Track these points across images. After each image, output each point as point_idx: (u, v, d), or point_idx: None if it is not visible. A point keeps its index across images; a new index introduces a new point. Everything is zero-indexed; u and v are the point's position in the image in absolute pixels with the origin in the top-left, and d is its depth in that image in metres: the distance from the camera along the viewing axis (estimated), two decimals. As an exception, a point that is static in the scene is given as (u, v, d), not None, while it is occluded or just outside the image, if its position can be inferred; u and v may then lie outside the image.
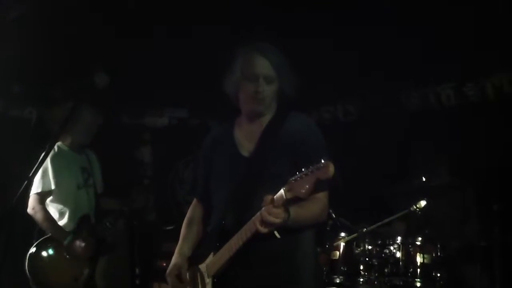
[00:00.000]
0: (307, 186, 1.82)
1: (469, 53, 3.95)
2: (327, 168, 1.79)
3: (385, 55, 4.17)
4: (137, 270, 4.28)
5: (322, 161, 1.81)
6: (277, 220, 1.91)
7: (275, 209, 1.90)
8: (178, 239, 2.39)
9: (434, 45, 4.03)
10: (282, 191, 1.88)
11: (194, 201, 2.46)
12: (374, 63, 4.27)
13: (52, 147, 2.23)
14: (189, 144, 5.17)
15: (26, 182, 2.02)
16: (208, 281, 2.18)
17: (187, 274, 2.26)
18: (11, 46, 3.83)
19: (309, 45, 4.04)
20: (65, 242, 3.28)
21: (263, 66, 2.16)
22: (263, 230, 1.93)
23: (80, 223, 3.41)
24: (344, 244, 3.44)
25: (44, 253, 3.28)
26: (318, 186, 1.90)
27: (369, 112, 4.78)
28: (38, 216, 3.32)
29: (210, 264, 2.18)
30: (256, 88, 2.15)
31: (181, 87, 4.76)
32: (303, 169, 1.84)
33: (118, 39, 4.06)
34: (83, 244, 3.30)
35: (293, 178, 1.84)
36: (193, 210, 2.44)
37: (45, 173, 3.31)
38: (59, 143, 3.45)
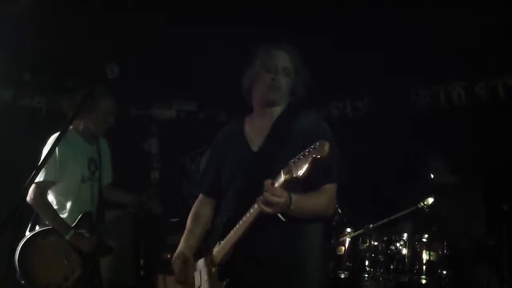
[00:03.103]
0: (304, 166, 1.86)
1: (481, 53, 3.93)
2: (322, 147, 1.83)
3: (395, 52, 4.15)
4: (141, 262, 4.29)
5: (318, 142, 1.86)
6: (281, 200, 1.94)
7: (280, 189, 1.93)
8: (183, 232, 2.42)
9: (446, 44, 4.01)
10: (281, 172, 1.92)
11: (200, 196, 2.48)
12: (384, 60, 4.25)
13: (64, 133, 2.20)
14: (196, 137, 5.19)
15: (35, 171, 2.01)
16: (214, 270, 2.21)
17: (193, 263, 2.30)
18: (22, 34, 3.83)
19: (319, 42, 4.03)
20: (67, 237, 3.12)
21: (283, 58, 2.25)
22: (267, 210, 1.95)
23: (81, 220, 3.25)
24: (349, 239, 3.44)
25: (37, 246, 3.12)
26: (323, 174, 2.02)
27: (378, 109, 4.77)
28: (39, 207, 3.14)
29: (216, 253, 2.21)
30: (274, 76, 2.22)
31: (190, 80, 4.76)
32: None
33: (128, 30, 4.07)
34: (87, 236, 3.18)
35: (292, 161, 1.89)
36: (199, 205, 2.46)
37: (49, 162, 2.95)
38: (71, 128, 3.21)
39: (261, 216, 2.00)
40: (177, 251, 2.34)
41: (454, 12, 3.80)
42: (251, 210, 2.03)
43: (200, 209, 2.45)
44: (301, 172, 1.86)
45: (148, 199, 3.55)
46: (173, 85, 4.82)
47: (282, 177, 1.91)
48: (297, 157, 1.88)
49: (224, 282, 2.17)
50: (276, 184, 1.93)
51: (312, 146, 1.86)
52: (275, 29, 3.70)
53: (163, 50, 4.33)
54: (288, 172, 1.89)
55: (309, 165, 1.85)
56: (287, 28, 3.72)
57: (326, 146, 1.83)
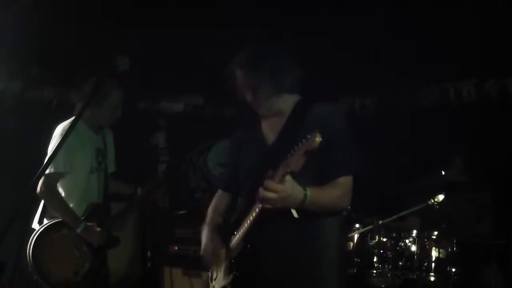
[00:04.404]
0: (297, 159, 1.86)
1: (491, 50, 3.89)
2: (313, 138, 1.82)
3: (405, 49, 4.12)
4: (149, 254, 4.29)
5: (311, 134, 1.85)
6: (274, 195, 1.92)
7: (273, 184, 1.91)
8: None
9: (457, 41, 3.97)
10: (280, 167, 1.91)
11: (219, 191, 2.53)
12: (394, 57, 4.22)
13: (75, 125, 2.18)
14: (204, 131, 5.19)
15: (45, 163, 2.01)
16: (226, 263, 2.23)
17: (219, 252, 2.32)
18: (30, 27, 3.83)
19: (329, 38, 4.02)
20: (78, 230, 3.08)
21: (241, 79, 2.22)
22: (265, 205, 1.95)
23: (91, 212, 3.21)
24: (358, 235, 3.42)
25: (50, 239, 3.07)
26: (337, 167, 2.06)
27: (386, 106, 4.74)
28: (49, 200, 3.09)
29: (230, 246, 2.24)
30: (245, 98, 2.22)
31: (198, 74, 4.75)
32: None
33: (136, 23, 4.06)
34: (98, 229, 3.15)
35: (289, 154, 1.89)
36: (217, 199, 2.51)
37: (58, 153, 2.74)
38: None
39: (274, 212, 1.99)
40: (204, 243, 2.36)
41: (466, 10, 3.77)
42: (255, 204, 2.04)
43: (218, 202, 2.50)
44: (295, 165, 1.86)
45: (153, 191, 3.53)
46: (181, 79, 4.81)
47: (280, 171, 1.90)
48: (293, 150, 1.88)
49: (231, 275, 2.18)
50: (276, 179, 1.92)
51: (304, 139, 1.85)
52: (283, 28, 3.72)
53: (171, 44, 4.31)
54: (286, 165, 1.89)
55: (301, 158, 1.85)
56: (295, 27, 3.75)
57: (317, 138, 1.81)
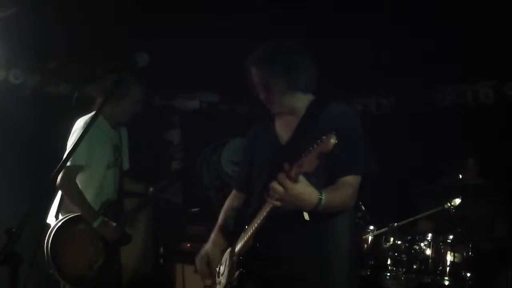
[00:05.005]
0: (311, 160, 1.85)
1: (509, 52, 3.85)
2: (328, 140, 1.81)
3: (422, 49, 4.09)
4: (161, 250, 4.31)
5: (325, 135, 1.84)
6: (282, 191, 1.90)
7: (286, 180, 1.89)
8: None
9: (475, 43, 3.93)
10: (293, 166, 1.90)
11: (233, 191, 2.52)
12: (411, 57, 4.19)
13: (96, 119, 2.19)
14: (218, 128, 5.20)
15: (66, 156, 2.02)
16: (235, 259, 2.23)
17: (216, 263, 2.33)
18: (48, 22, 3.86)
19: (347, 38, 4.00)
20: (95, 224, 3.07)
21: (256, 76, 2.23)
22: (274, 202, 1.94)
23: (107, 208, 3.21)
24: (372, 237, 3.41)
25: (68, 233, 3.06)
26: (345, 165, 2.04)
27: (402, 107, 4.71)
28: (68, 193, 3.08)
29: (238, 244, 2.24)
30: (259, 96, 2.24)
31: (214, 71, 4.75)
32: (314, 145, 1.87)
33: (154, 21, 4.07)
34: (114, 225, 3.14)
35: (303, 154, 1.87)
36: (231, 200, 2.50)
37: (79, 146, 2.76)
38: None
39: (285, 212, 1.99)
40: (202, 250, 2.36)
41: (485, 12, 3.74)
42: (266, 203, 2.03)
43: (232, 203, 2.50)
44: (309, 167, 1.85)
45: (166, 188, 3.55)
46: (196, 76, 4.81)
47: (294, 171, 1.89)
48: (307, 151, 1.86)
49: (238, 272, 2.18)
50: (290, 177, 1.90)
51: (319, 140, 1.83)
52: (298, 28, 3.72)
53: (186, 41, 4.32)
54: (299, 166, 1.88)
55: (314, 159, 1.84)
56: (311, 26, 3.74)
57: (332, 140, 1.80)
